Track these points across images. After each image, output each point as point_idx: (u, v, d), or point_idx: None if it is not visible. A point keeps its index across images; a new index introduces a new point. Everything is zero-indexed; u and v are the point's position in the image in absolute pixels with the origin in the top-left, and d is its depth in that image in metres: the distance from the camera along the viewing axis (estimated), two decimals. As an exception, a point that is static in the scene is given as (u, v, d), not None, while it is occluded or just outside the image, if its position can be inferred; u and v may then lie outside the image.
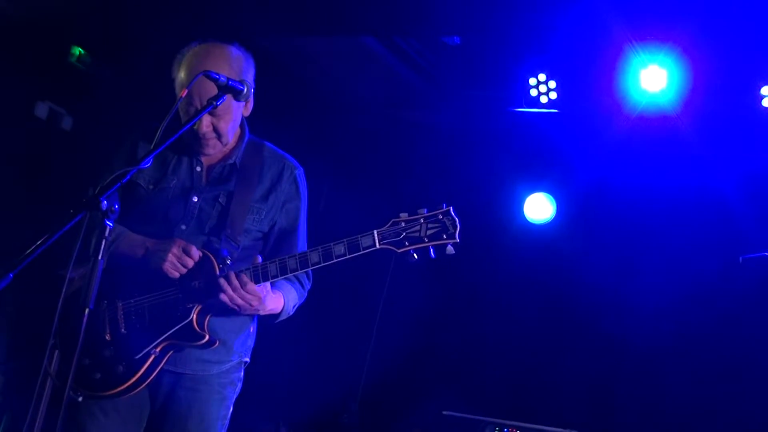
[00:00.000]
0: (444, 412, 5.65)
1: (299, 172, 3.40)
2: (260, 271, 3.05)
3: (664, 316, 5.94)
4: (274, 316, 3.27)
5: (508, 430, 5.46)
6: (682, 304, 5.87)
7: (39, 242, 2.49)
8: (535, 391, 6.19)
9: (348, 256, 2.99)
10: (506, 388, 6.21)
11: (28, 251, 2.47)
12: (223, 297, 3.04)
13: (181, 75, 3.17)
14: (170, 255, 3.05)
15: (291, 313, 3.33)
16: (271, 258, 3.09)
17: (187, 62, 3.19)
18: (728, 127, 5.69)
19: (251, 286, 3.04)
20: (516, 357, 6.29)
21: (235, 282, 3.03)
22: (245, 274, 3.05)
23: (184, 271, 3.08)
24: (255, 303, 3.08)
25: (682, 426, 5.73)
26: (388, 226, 3.00)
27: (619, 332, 6.11)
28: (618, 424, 5.94)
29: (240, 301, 3.06)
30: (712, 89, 5.52)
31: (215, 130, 3.17)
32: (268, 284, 3.10)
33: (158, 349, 3.08)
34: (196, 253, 3.08)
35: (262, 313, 3.19)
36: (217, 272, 3.08)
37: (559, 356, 6.15)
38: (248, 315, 3.28)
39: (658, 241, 6.18)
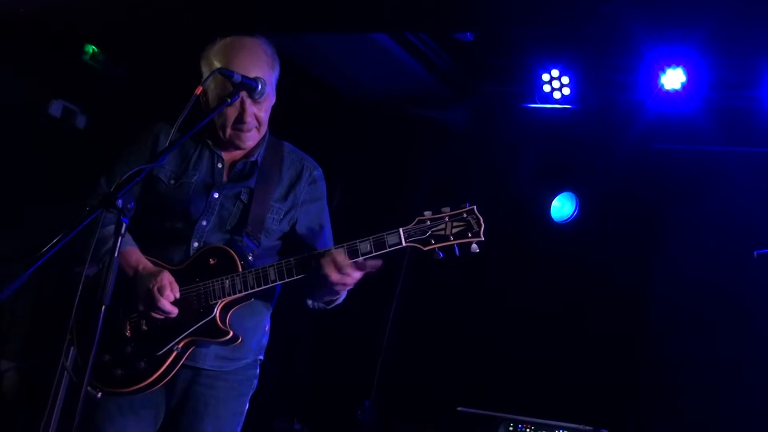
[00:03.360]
0: (458, 409, 5.64)
1: (318, 173, 3.40)
2: (284, 268, 3.05)
3: (685, 313, 5.90)
4: (333, 301, 3.25)
5: (522, 426, 5.44)
6: (704, 301, 5.83)
7: (54, 240, 2.49)
8: (550, 387, 6.15)
9: (374, 254, 3.00)
10: (521, 384, 6.18)
11: (44, 249, 2.47)
12: (334, 277, 2.99)
13: (217, 65, 3.14)
14: (160, 305, 3.02)
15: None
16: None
17: (223, 53, 3.17)
18: (747, 124, 5.65)
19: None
20: (530, 353, 6.26)
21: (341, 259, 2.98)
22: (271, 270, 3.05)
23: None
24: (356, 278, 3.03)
25: (701, 425, 5.68)
26: (414, 224, 3.01)
27: (638, 329, 6.07)
28: (635, 421, 5.91)
29: (350, 280, 3.02)
30: (730, 86, 5.50)
31: (257, 119, 3.19)
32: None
33: (180, 345, 3.09)
34: (174, 294, 3.06)
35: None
36: (239, 269, 3.09)
37: (575, 353, 6.11)
38: (265, 313, 3.32)
39: (677, 238, 6.14)
